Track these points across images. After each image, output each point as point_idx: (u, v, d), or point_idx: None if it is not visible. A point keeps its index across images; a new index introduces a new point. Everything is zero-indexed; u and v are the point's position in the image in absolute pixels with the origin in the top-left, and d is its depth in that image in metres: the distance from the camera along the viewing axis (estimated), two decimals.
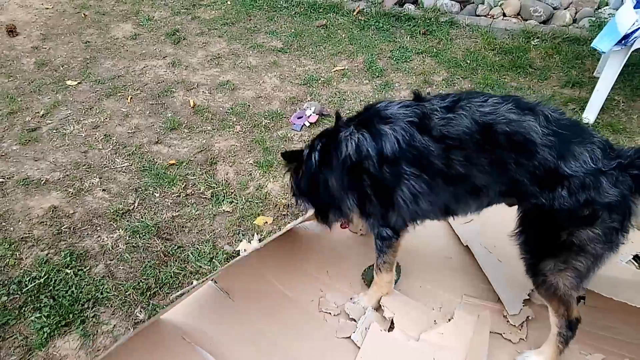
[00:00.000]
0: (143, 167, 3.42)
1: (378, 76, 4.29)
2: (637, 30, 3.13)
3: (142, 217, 3.01)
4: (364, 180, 2.05)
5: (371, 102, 2.13)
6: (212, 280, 2.42)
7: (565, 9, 4.83)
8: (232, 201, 3.12)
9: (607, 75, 3.38)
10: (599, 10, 4.67)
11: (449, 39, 4.72)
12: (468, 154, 1.88)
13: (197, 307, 2.38)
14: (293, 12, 5.29)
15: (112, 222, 2.98)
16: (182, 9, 5.48)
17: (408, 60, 4.49)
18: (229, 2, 5.55)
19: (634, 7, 3.20)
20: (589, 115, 3.53)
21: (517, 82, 4.15)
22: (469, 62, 4.39)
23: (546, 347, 2.16)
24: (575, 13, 4.76)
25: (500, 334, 2.33)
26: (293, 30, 4.98)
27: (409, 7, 5.12)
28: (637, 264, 2.64)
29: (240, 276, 2.49)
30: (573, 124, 1.89)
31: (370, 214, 2.17)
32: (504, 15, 4.90)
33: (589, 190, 1.78)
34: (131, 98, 4.09)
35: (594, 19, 4.62)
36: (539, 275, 1.98)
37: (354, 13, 5.14)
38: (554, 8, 4.81)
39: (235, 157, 3.49)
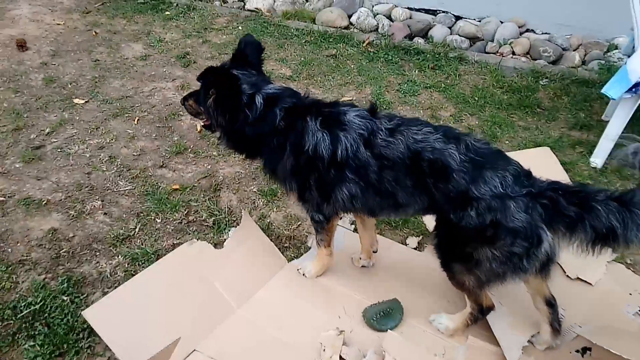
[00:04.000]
0: (146, 191, 3.38)
1: (385, 109, 4.28)
2: None
3: (142, 244, 2.97)
4: (312, 174, 2.31)
5: (338, 100, 2.32)
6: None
7: (574, 50, 4.86)
8: (233, 228, 3.07)
9: (616, 121, 3.37)
10: (608, 54, 4.69)
11: (457, 75, 4.73)
12: (397, 176, 2.16)
13: None
14: (303, 41, 5.33)
15: (111, 248, 2.93)
16: (194, 31, 5.52)
17: (416, 94, 4.49)
18: (240, 28, 5.59)
19: None
20: (597, 160, 3.52)
21: (524, 121, 4.14)
22: (477, 98, 4.39)
23: (458, 316, 2.48)
24: (585, 55, 4.79)
25: None
26: (303, 59, 5.01)
27: (419, 41, 5.16)
28: None
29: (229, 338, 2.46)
30: (492, 153, 2.11)
31: (307, 200, 2.45)
32: (514, 53, 4.94)
33: (494, 213, 1.98)
34: (138, 120, 4.08)
35: (603, 62, 4.64)
36: (449, 271, 2.29)
37: (364, 44, 5.17)
38: (564, 49, 4.84)
39: (239, 185, 3.47)
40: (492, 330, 2.47)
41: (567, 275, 2.79)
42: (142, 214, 3.19)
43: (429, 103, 4.38)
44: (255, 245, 2.89)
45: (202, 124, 2.62)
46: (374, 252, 2.88)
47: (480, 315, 2.40)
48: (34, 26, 5.45)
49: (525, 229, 1.98)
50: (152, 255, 2.89)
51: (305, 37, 5.37)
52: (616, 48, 4.73)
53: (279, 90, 2.35)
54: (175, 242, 2.99)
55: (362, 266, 2.88)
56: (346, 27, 5.50)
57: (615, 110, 3.40)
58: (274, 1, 5.94)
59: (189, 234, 3.06)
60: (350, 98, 4.41)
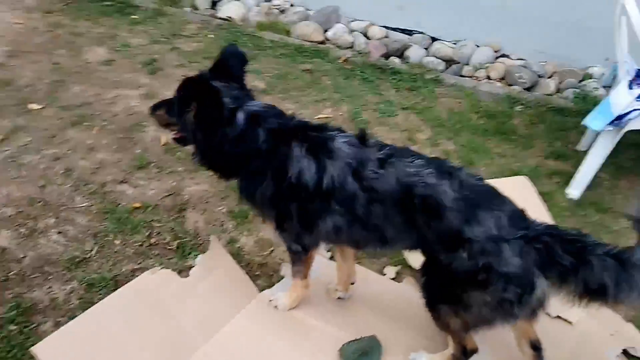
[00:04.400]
0: (105, 208, 3.14)
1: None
2: (631, 112, 3.12)
3: (99, 268, 2.73)
4: (294, 203, 2.15)
5: (325, 124, 2.22)
6: None
7: (549, 77, 4.88)
8: (200, 255, 2.86)
9: (597, 153, 3.34)
10: (583, 83, 4.73)
11: (434, 97, 4.66)
12: (386, 211, 2.02)
13: None
14: (278, 53, 5.15)
15: (65, 271, 2.69)
16: (162, 37, 5.26)
17: (393, 115, 4.39)
18: (211, 36, 5.37)
19: (629, 88, 3.20)
20: (574, 191, 3.48)
21: (501, 148, 4.09)
22: (453, 122, 4.33)
23: (439, 357, 2.33)
24: (560, 83, 4.81)
25: None
26: (277, 72, 4.84)
27: (395, 61, 5.08)
28: None
29: None
30: (487, 191, 2.02)
31: (286, 229, 2.29)
32: (489, 78, 4.92)
33: (488, 256, 1.87)
34: (98, 129, 3.81)
35: (578, 90, 4.67)
36: (434, 313, 2.15)
37: (340, 61, 5.05)
38: (539, 76, 4.85)
39: (206, 205, 3.25)
40: None
41: (547, 313, 2.71)
42: (99, 235, 2.94)
43: (406, 125, 4.28)
44: (224, 274, 2.69)
45: (173, 136, 2.40)
46: (351, 283, 2.72)
47: (462, 357, 2.27)
48: None
49: (519, 275, 1.88)
50: (110, 282, 2.65)
51: (280, 49, 5.20)
52: (590, 77, 4.77)
53: (263, 108, 2.18)
54: (135, 267, 2.76)
55: (338, 298, 2.72)
56: (322, 42, 5.37)
57: (596, 142, 3.38)
58: (248, 10, 5.76)
59: (151, 258, 2.83)
60: (327, 116, 4.27)
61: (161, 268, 2.72)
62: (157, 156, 3.61)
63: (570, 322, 2.66)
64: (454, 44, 5.24)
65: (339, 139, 2.11)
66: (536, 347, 2.25)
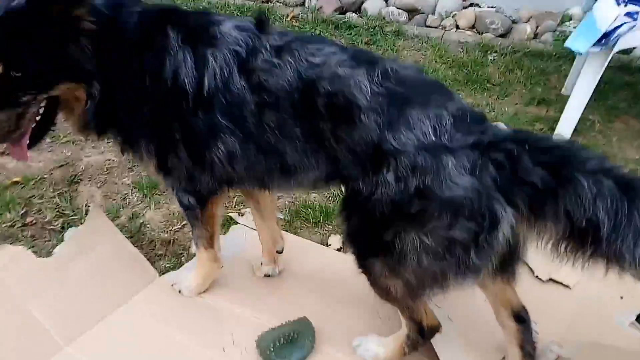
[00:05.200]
0: None
1: None
2: (620, 26, 2.53)
3: None
4: (175, 121, 1.52)
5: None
6: None
7: (525, 22, 4.29)
8: (72, 229, 2.21)
9: (583, 84, 2.75)
10: (562, 25, 4.16)
11: (395, 50, 4.06)
12: (281, 119, 1.43)
13: None
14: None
15: None
16: None
17: None
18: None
19: (616, 4, 2.61)
20: (562, 134, 2.87)
21: (473, 98, 3.49)
22: None
23: (392, 341, 1.74)
24: (537, 27, 4.23)
25: None
26: None
27: (351, 16, 4.49)
28: None
29: None
30: (424, 82, 1.46)
31: (171, 169, 1.63)
32: (457, 27, 4.33)
33: (422, 175, 1.28)
34: None
35: (557, 33, 4.10)
36: (368, 273, 1.54)
37: (288, 18, 4.44)
38: (513, 21, 4.28)
39: (107, 176, 2.62)
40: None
41: (537, 276, 2.08)
42: None
43: None
44: (108, 252, 2.03)
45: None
46: (278, 252, 2.07)
47: (420, 337, 1.65)
48: None
49: (472, 202, 1.26)
50: None
51: (218, 10, 4.57)
52: (570, 19, 4.20)
53: None
54: None
55: (266, 275, 2.08)
56: (267, 1, 4.76)
57: (582, 70, 2.77)
58: None
59: (21, 240, 2.18)
60: None
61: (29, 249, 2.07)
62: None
63: (567, 286, 2.05)
64: None
65: (227, 23, 1.51)
66: (520, 317, 1.62)
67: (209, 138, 1.51)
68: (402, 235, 1.35)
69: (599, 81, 2.85)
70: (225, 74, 1.44)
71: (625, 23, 2.54)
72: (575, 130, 3.00)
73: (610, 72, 3.35)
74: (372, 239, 1.44)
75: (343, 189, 1.58)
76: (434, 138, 1.29)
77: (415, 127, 1.30)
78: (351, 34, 4.28)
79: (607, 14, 2.55)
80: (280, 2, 4.70)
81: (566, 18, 4.23)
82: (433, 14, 4.43)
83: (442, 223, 1.29)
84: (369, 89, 1.34)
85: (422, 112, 1.31)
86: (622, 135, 3.10)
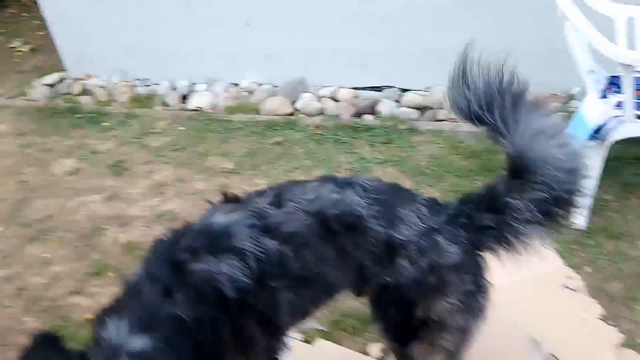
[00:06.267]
0: (55, 325, 2.82)
1: None
2: (610, 120, 2.78)
3: None
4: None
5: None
6: None
7: None
8: None
9: (589, 174, 2.95)
10: (568, 104, 4.43)
11: (410, 146, 4.40)
12: (317, 251, 1.67)
13: None
14: (248, 132, 5.02)
15: None
16: (132, 138, 5.18)
17: (369, 171, 4.13)
18: (182, 128, 5.28)
19: (603, 97, 2.89)
20: (579, 220, 3.05)
21: None
22: (434, 168, 4.03)
23: None
24: None
25: None
26: (246, 150, 4.67)
27: (367, 118, 4.90)
28: None
29: None
30: (391, 188, 1.83)
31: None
32: None
33: (428, 254, 1.64)
34: (56, 241, 3.59)
35: (565, 113, 4.34)
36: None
37: (311, 127, 4.88)
38: None
39: None
40: None
41: None
42: None
43: (384, 179, 3.96)
44: None
45: None
46: None
47: None
48: None
49: (463, 260, 1.66)
50: None
51: (250, 128, 5.07)
52: (574, 98, 4.48)
53: None
54: None
55: None
56: (291, 114, 5.24)
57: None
58: (216, 97, 5.72)
59: None
60: None
61: None
62: (115, 259, 3.35)
63: None
64: (426, 91, 5.06)
65: (218, 216, 1.70)
66: None
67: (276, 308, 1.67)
68: (432, 305, 1.66)
69: (609, 159, 3.02)
70: (260, 247, 1.60)
71: (614, 117, 2.79)
72: (592, 212, 3.15)
73: (620, 147, 3.39)
74: (408, 321, 1.70)
75: (370, 292, 1.83)
76: (423, 225, 1.66)
77: (408, 220, 1.66)
78: (369, 134, 4.65)
79: (594, 110, 2.82)
80: (302, 114, 5.17)
81: (570, 98, 4.51)
82: (442, 108, 4.79)
83: (455, 282, 1.65)
84: (362, 202, 1.67)
85: (406, 208, 1.68)
86: (638, 211, 3.25)
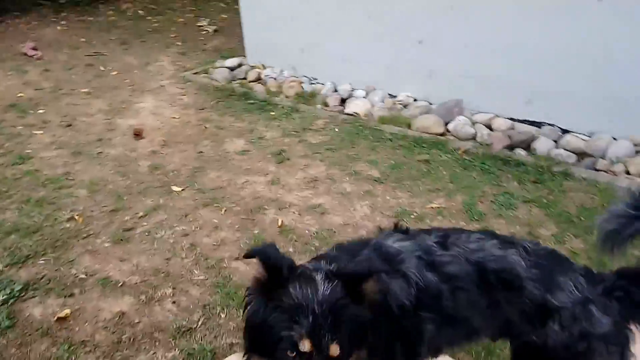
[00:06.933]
0: (217, 282, 3.37)
1: (476, 220, 4.01)
2: None
3: (201, 339, 2.89)
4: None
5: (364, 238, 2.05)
6: None
7: None
8: None
9: None
10: None
11: (561, 191, 4.34)
12: (470, 296, 1.82)
13: None
14: (397, 145, 5.30)
15: (171, 339, 2.89)
16: (293, 131, 5.74)
17: (513, 207, 4.17)
18: (336, 129, 5.73)
19: None
20: None
21: None
22: (583, 219, 3.95)
23: None
24: None
25: None
26: (393, 162, 4.95)
27: (520, 153, 4.89)
28: None
29: None
30: (550, 254, 1.92)
31: None
32: (628, 173, 4.46)
33: (581, 322, 1.74)
34: (225, 210, 4.19)
35: None
36: None
37: (459, 152, 5.01)
38: None
39: None
40: None
41: None
42: (208, 306, 3.14)
43: (527, 219, 4.01)
44: None
45: None
46: None
47: None
48: (153, 118, 6.05)
49: (613, 331, 1.75)
50: (209, 354, 2.79)
51: (398, 141, 5.35)
52: None
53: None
54: (234, 342, 2.87)
55: None
56: (442, 134, 5.41)
57: None
58: (372, 106, 6.08)
59: None
60: (438, 205, 4.20)
61: None
62: (272, 237, 3.83)
63: None
64: (588, 136, 4.91)
65: (391, 240, 1.88)
66: None
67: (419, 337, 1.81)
68: None
69: None
70: (420, 279, 1.76)
71: None
72: None
73: None
74: None
75: (510, 344, 2.00)
76: (579, 294, 1.75)
77: (565, 288, 1.77)
78: (519, 170, 4.66)
79: None
80: (452, 137, 5.32)
81: None
82: (603, 158, 4.63)
83: (602, 352, 1.74)
84: (523, 263, 1.79)
85: (565, 276, 1.78)
86: None
